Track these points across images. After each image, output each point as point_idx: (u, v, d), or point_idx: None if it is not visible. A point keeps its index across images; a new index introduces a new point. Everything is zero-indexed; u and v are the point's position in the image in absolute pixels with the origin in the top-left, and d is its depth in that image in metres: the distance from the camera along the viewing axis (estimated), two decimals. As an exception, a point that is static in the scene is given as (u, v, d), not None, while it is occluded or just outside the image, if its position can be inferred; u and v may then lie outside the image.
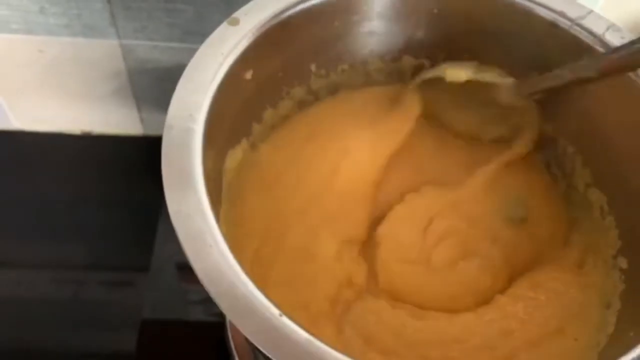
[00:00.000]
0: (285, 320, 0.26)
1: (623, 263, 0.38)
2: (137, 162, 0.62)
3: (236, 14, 0.37)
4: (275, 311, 0.27)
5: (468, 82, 0.42)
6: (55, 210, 0.60)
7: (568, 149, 0.42)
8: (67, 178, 0.62)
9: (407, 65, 0.45)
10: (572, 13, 0.38)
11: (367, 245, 0.42)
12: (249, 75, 0.38)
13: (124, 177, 0.61)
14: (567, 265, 0.40)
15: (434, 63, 0.44)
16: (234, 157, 0.40)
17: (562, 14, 0.38)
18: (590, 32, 0.38)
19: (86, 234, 0.58)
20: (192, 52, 0.36)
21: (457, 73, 0.42)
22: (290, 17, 0.38)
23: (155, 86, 0.57)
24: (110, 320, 0.53)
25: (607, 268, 0.39)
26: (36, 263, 0.56)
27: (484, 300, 0.39)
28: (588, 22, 0.38)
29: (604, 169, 0.40)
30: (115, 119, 0.62)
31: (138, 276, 0.55)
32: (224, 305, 0.27)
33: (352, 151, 0.43)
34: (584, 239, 0.41)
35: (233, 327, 0.49)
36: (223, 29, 0.37)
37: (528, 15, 0.39)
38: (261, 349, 0.26)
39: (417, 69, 0.45)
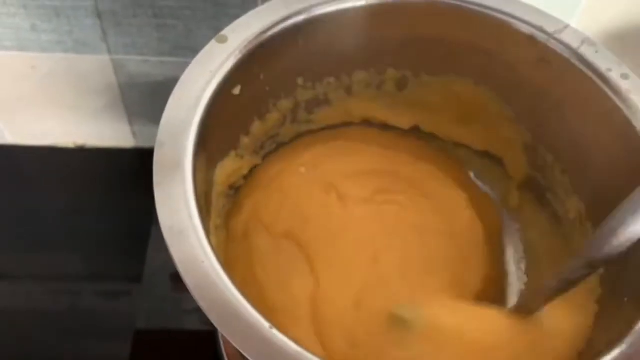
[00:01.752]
0: (275, 332, 0.27)
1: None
2: (130, 173, 0.63)
3: (224, 32, 0.38)
4: (265, 324, 0.28)
5: None
6: (51, 222, 0.60)
7: (547, 157, 0.44)
8: (62, 190, 0.62)
9: (391, 77, 0.46)
10: (550, 27, 0.39)
11: None
12: (237, 90, 0.39)
13: (117, 188, 0.62)
14: None
15: (416, 75, 0.45)
16: (224, 169, 0.41)
17: (539, 29, 0.40)
18: (567, 46, 0.39)
19: (82, 246, 0.59)
20: (182, 66, 0.36)
21: None
22: (275, 34, 0.39)
23: (146, 100, 0.58)
24: (108, 331, 0.54)
25: None
26: (32, 275, 0.57)
27: None
28: (564, 36, 0.39)
29: (583, 177, 0.41)
30: (108, 132, 0.62)
31: (134, 286, 0.56)
32: (216, 320, 0.28)
33: None
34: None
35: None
36: (211, 46, 0.38)
37: (506, 29, 0.40)
38: (252, 360, 0.27)
39: (401, 81, 0.46)
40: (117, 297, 0.56)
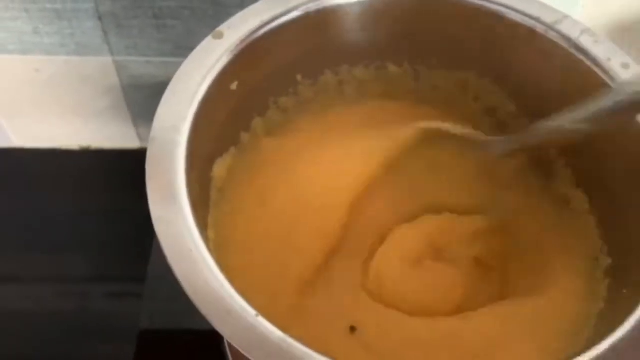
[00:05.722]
0: (261, 320, 0.27)
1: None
2: (135, 174, 0.63)
3: (220, 28, 0.38)
4: (252, 312, 0.28)
5: None
6: (56, 224, 0.61)
7: (550, 151, 0.43)
8: (68, 192, 0.63)
9: (392, 72, 0.45)
10: (548, 18, 0.39)
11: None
12: (234, 86, 0.39)
13: (123, 189, 0.62)
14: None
15: (416, 70, 0.45)
16: (223, 165, 0.41)
17: (538, 20, 0.39)
18: (565, 37, 0.38)
19: (89, 247, 0.59)
20: (184, 66, 0.37)
21: None
22: (272, 30, 0.39)
23: (149, 100, 0.58)
24: (116, 332, 0.54)
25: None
26: (40, 277, 0.57)
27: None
28: (564, 27, 0.39)
29: (586, 170, 0.41)
30: (112, 134, 0.63)
31: (139, 287, 0.56)
32: (202, 308, 0.27)
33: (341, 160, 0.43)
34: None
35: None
36: (207, 42, 0.38)
37: (503, 21, 0.40)
38: (239, 348, 0.27)
39: (401, 76, 0.46)
40: (128, 298, 0.56)
